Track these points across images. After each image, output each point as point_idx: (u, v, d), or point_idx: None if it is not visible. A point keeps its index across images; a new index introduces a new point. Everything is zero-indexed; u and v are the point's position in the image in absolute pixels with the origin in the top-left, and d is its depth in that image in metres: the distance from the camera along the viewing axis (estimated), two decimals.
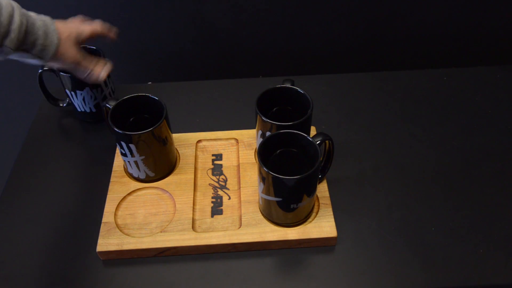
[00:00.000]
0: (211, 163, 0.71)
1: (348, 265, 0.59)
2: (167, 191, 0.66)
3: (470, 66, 0.91)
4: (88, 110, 0.77)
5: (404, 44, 1.03)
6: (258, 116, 0.62)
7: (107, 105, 0.64)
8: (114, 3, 0.96)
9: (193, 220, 0.62)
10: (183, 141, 0.73)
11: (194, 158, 0.70)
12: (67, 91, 0.75)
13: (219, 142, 0.74)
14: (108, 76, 0.74)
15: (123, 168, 0.68)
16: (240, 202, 0.65)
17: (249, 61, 1.07)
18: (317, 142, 0.58)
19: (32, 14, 0.60)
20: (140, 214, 0.64)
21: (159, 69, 1.10)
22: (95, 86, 0.74)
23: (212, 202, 0.65)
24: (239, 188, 0.66)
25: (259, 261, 0.60)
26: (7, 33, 0.56)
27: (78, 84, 0.72)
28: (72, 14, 0.68)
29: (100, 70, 0.67)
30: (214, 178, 0.69)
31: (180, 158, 0.71)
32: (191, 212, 0.63)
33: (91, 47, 0.76)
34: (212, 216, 0.64)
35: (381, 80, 0.88)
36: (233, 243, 0.59)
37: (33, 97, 0.85)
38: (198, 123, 0.79)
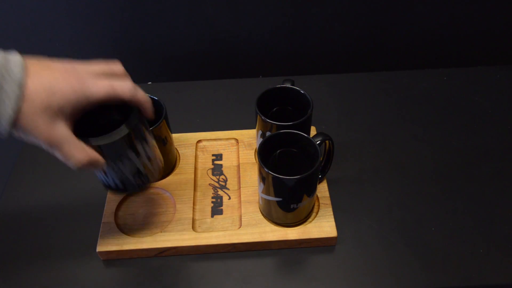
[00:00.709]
0: (211, 163, 0.71)
1: (348, 265, 0.59)
2: (167, 191, 0.66)
3: (470, 66, 0.91)
4: None
5: (404, 44, 1.02)
6: (258, 116, 0.62)
7: None
8: (114, 2, 0.96)
9: (193, 220, 0.62)
10: (183, 141, 0.73)
11: (194, 158, 0.70)
12: None
13: (219, 142, 0.74)
14: None
15: None
16: (240, 202, 0.65)
17: (249, 61, 1.06)
18: (317, 142, 0.58)
19: None
20: (140, 214, 0.64)
21: (159, 69, 1.10)
22: None
23: (212, 202, 0.65)
24: (239, 188, 0.66)
25: (259, 261, 0.60)
26: None
27: None
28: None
29: (85, 160, 0.45)
30: (214, 178, 0.69)
31: (180, 158, 0.71)
32: (191, 212, 0.63)
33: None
34: (212, 216, 0.64)
35: (381, 80, 0.88)
36: (233, 243, 0.59)
37: None
38: (198, 123, 0.79)
